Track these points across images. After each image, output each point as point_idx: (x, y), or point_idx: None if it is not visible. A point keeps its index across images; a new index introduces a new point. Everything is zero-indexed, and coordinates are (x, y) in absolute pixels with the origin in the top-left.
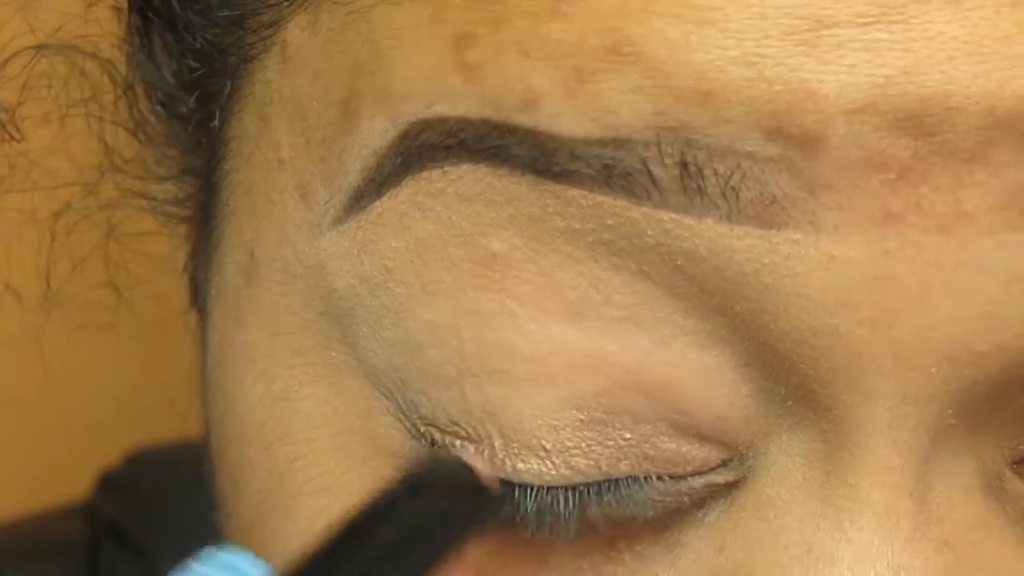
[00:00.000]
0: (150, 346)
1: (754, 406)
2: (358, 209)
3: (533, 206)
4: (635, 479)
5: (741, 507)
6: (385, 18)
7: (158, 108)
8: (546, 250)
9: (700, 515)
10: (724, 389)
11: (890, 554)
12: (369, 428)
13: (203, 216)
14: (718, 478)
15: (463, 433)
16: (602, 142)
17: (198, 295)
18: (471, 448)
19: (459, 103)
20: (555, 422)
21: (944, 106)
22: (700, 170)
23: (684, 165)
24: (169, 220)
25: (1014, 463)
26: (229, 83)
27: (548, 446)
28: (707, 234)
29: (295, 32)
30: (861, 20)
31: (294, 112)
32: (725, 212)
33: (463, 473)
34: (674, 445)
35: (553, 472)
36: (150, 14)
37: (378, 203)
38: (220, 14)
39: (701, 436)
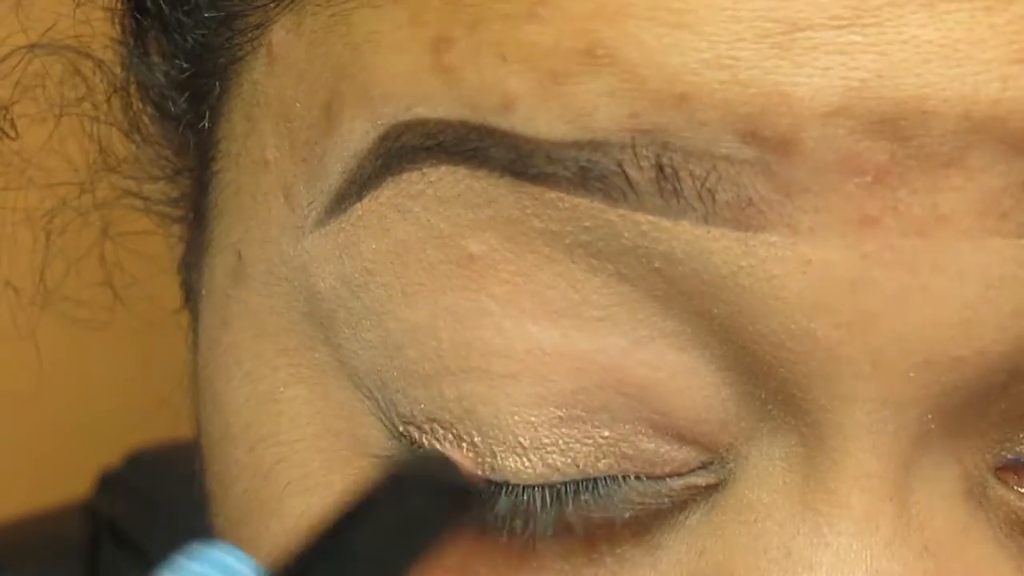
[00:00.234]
0: (147, 345)
1: (734, 409)
2: (339, 211)
3: (511, 208)
4: (613, 478)
5: (721, 510)
6: (365, 20)
7: (151, 109)
8: (524, 251)
9: (681, 518)
10: (703, 391)
11: (869, 559)
12: (352, 429)
13: (195, 216)
14: (698, 480)
15: (440, 432)
16: (578, 144)
17: (191, 295)
18: (452, 445)
19: (438, 105)
20: (532, 418)
21: (920, 110)
22: (676, 172)
23: (660, 167)
24: (164, 220)
25: (997, 469)
26: (218, 84)
27: (525, 443)
28: (684, 236)
29: (280, 34)
30: (835, 23)
31: (279, 113)
32: (702, 214)
33: (445, 470)
34: (653, 445)
35: (530, 470)
36: (141, 15)
37: (359, 205)
38: (208, 15)
39: (680, 437)
